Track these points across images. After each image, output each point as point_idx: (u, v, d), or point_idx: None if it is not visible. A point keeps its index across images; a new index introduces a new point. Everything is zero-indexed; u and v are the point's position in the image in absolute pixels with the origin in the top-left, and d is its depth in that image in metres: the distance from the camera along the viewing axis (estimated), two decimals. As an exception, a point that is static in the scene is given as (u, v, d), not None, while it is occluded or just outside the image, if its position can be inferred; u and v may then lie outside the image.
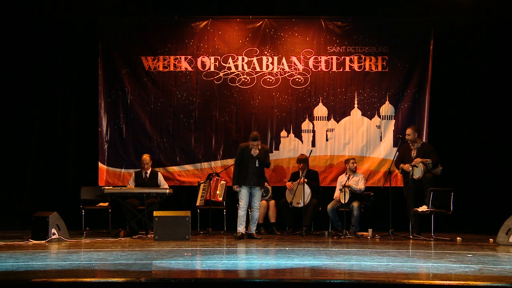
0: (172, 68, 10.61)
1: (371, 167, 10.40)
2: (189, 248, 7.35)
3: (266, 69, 10.59)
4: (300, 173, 9.62)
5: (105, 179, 10.42)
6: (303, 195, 9.31)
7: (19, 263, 5.88)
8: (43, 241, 8.05)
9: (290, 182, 9.70)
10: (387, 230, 9.03)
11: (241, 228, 8.84)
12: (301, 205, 9.37)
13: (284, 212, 9.74)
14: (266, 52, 10.59)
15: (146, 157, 9.71)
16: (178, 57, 10.61)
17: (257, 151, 8.80)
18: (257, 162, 8.84)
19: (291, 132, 10.56)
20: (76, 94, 10.72)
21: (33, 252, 6.93)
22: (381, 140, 10.48)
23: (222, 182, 9.84)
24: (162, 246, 7.56)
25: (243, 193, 8.86)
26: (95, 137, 10.49)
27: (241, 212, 8.86)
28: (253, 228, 8.96)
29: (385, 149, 10.43)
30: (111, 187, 9.53)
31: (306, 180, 9.44)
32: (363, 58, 10.53)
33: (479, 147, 10.37)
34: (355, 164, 9.78)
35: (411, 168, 9.00)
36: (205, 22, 10.64)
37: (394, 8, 10.47)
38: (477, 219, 10.18)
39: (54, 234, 8.22)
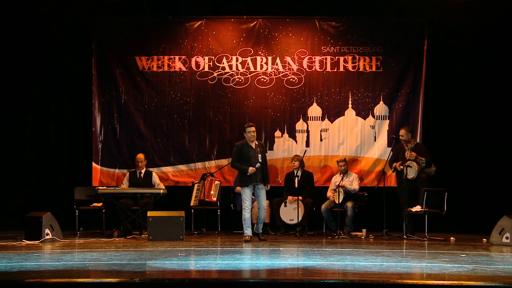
0: (166, 68, 10.58)
1: (365, 167, 10.40)
2: (183, 248, 7.35)
3: (260, 69, 10.58)
4: (295, 172, 9.60)
5: (99, 179, 10.38)
6: (297, 212, 9.28)
7: (12, 264, 5.86)
8: (36, 242, 8.04)
9: (291, 197, 9.51)
10: (381, 230, 9.05)
11: (248, 231, 8.40)
12: (294, 222, 9.38)
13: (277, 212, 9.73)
14: (260, 52, 10.58)
15: (140, 156, 9.72)
16: (172, 57, 10.59)
17: (256, 141, 8.54)
18: (259, 158, 8.50)
19: (285, 132, 10.56)
20: (70, 94, 10.68)
21: (27, 252, 6.91)
22: (375, 140, 10.49)
23: (216, 182, 9.83)
24: (156, 246, 7.55)
25: (247, 193, 8.43)
26: (89, 137, 10.45)
27: (247, 215, 8.39)
28: (260, 228, 8.65)
29: (379, 149, 10.44)
30: (105, 187, 9.52)
31: (301, 198, 9.44)
32: (357, 58, 10.53)
33: (473, 147, 10.37)
34: (343, 167, 9.76)
35: (402, 167, 9.04)
36: (199, 22, 10.63)
37: (388, 8, 10.49)
38: (470, 219, 10.19)
39: (47, 234, 8.21)
